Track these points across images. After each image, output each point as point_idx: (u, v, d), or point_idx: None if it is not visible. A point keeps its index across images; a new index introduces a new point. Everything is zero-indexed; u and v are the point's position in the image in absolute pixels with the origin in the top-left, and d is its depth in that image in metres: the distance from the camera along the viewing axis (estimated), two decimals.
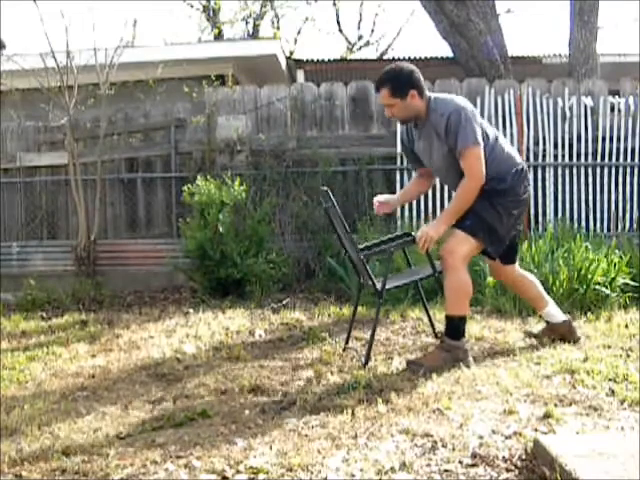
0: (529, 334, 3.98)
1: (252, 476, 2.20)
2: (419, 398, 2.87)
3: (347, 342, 3.86)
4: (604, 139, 6.62)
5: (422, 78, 3.59)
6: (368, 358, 3.47)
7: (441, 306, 4.75)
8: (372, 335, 3.54)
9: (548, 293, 4.69)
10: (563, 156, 6.67)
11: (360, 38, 19.97)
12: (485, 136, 3.50)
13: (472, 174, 3.41)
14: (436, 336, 3.93)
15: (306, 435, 2.52)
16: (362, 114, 6.91)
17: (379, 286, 3.51)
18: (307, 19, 23.90)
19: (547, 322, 3.89)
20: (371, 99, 6.88)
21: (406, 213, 6.58)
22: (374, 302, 4.91)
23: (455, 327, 3.44)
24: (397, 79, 3.53)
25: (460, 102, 3.53)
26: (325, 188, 3.66)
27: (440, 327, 4.19)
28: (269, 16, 19.21)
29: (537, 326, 4.29)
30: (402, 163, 6.68)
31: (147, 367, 3.70)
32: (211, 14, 17.83)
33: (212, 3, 17.48)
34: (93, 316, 5.28)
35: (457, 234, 3.46)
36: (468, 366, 3.30)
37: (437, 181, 4.91)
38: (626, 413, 2.65)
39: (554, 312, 3.86)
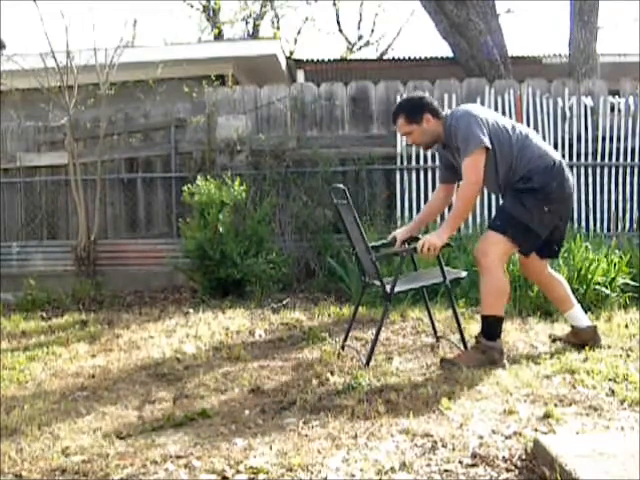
0: (554, 338, 3.91)
1: (252, 476, 2.20)
2: (419, 398, 2.87)
3: (345, 340, 3.85)
4: (604, 139, 6.62)
5: (434, 102, 3.71)
6: (370, 358, 3.47)
7: (441, 306, 4.76)
8: (376, 335, 3.54)
9: None
10: (563, 156, 6.65)
11: (360, 38, 19.99)
12: (506, 137, 3.51)
13: (467, 179, 3.46)
14: (437, 338, 3.94)
15: (306, 435, 2.52)
16: (362, 114, 6.91)
17: (388, 288, 3.50)
18: (307, 19, 23.96)
19: (572, 326, 3.82)
20: (371, 99, 6.88)
21: (406, 213, 6.58)
22: (374, 302, 4.93)
23: (491, 327, 3.46)
24: (409, 106, 3.68)
25: (464, 109, 3.62)
26: (341, 186, 3.63)
27: (438, 327, 4.20)
28: (269, 16, 19.23)
29: (537, 326, 4.30)
30: (402, 163, 6.69)
31: (147, 367, 3.70)
32: (211, 14, 17.83)
33: (212, 3, 17.48)
34: (93, 316, 5.28)
35: (489, 235, 3.51)
36: (504, 367, 3.32)
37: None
38: (626, 413, 2.66)
39: (580, 316, 3.79)
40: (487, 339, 3.44)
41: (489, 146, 3.42)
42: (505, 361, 3.39)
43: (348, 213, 3.63)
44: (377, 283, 3.57)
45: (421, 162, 6.70)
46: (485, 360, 3.37)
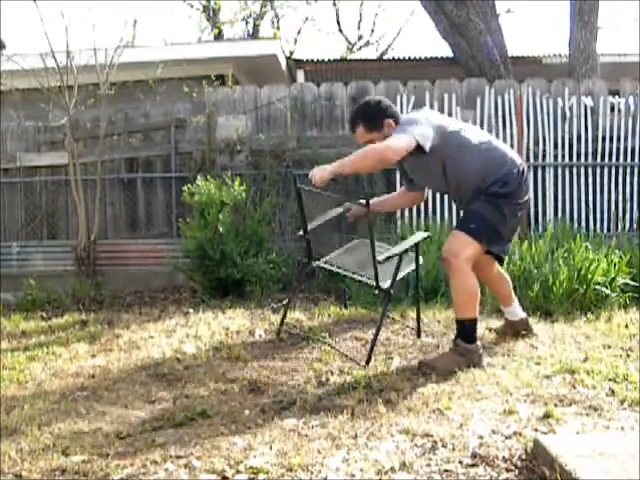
0: (494, 330, 4.06)
1: (252, 476, 2.20)
2: (419, 398, 2.87)
3: (281, 325, 3.90)
4: (604, 139, 6.62)
5: (393, 105, 3.57)
6: (370, 358, 3.47)
7: (441, 306, 4.76)
8: (376, 335, 3.54)
9: (548, 293, 4.73)
10: (563, 156, 6.67)
11: (360, 38, 20.00)
12: (461, 140, 3.46)
13: (386, 144, 3.29)
14: (418, 335, 3.98)
15: (306, 435, 2.52)
16: None
17: (386, 285, 3.48)
18: (307, 19, 23.99)
19: (506, 319, 3.99)
20: None
21: (406, 213, 6.58)
22: (375, 302, 4.92)
23: (467, 330, 3.41)
24: (367, 112, 3.50)
25: (413, 113, 3.61)
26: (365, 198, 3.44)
27: (438, 327, 4.20)
28: (269, 16, 19.25)
29: (537, 326, 4.29)
30: None
31: (147, 367, 3.70)
32: (211, 14, 17.83)
33: (212, 3, 17.49)
34: (93, 316, 5.28)
35: (460, 236, 3.43)
36: (483, 368, 3.32)
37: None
38: (626, 413, 2.66)
39: (517, 311, 3.96)
40: (465, 342, 3.40)
41: (420, 142, 3.29)
42: (484, 363, 3.39)
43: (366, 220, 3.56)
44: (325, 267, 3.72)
45: None
46: (463, 362, 3.32)
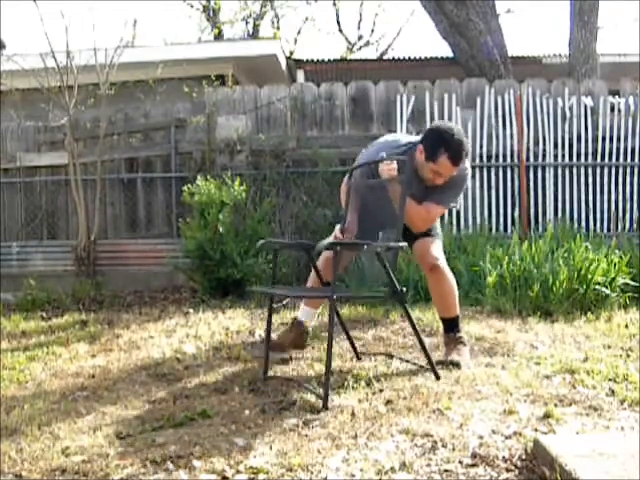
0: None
1: (252, 476, 2.20)
2: (419, 398, 2.87)
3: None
4: (604, 139, 6.63)
5: None
6: (355, 349, 3.54)
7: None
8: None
9: (548, 293, 4.72)
10: (563, 156, 6.67)
11: (360, 38, 20.00)
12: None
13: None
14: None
15: (306, 435, 2.52)
16: (362, 114, 6.91)
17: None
18: (307, 19, 24.02)
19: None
20: (371, 99, 6.89)
21: None
22: (375, 302, 4.92)
23: (457, 322, 3.54)
24: None
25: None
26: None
27: (438, 327, 4.20)
28: (269, 16, 19.25)
29: (537, 326, 4.29)
30: None
31: (147, 367, 3.70)
32: (211, 14, 17.83)
33: (212, 3, 17.49)
34: (93, 316, 5.28)
35: (432, 241, 3.48)
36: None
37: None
38: (626, 413, 2.65)
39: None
40: (459, 332, 3.52)
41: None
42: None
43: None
44: None
45: None
46: (469, 348, 3.49)
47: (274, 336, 3.63)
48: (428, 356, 3.20)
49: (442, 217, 6.56)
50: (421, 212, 3.38)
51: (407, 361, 3.49)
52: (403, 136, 3.84)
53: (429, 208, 3.39)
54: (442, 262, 3.43)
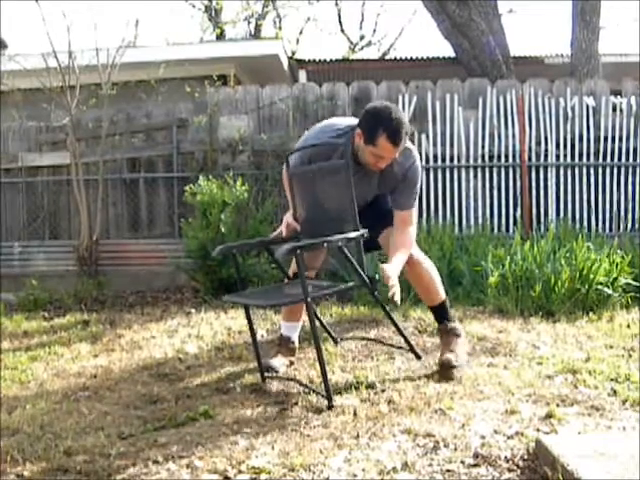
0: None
1: (254, 476, 2.20)
2: (421, 398, 2.87)
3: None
4: (606, 139, 6.62)
5: None
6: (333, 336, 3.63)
7: None
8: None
9: (550, 293, 4.72)
10: (565, 156, 6.67)
11: (362, 38, 20.00)
12: None
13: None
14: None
15: (308, 435, 2.52)
16: None
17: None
18: (309, 19, 24.07)
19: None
20: (373, 99, 6.87)
21: None
22: (375, 303, 4.92)
23: (446, 309, 3.41)
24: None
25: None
26: None
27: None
28: (271, 16, 19.26)
29: (538, 326, 4.29)
30: None
31: (149, 367, 3.70)
32: (213, 14, 17.84)
33: (214, 3, 17.49)
34: (95, 316, 5.28)
35: (406, 229, 3.23)
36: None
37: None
38: (628, 413, 2.65)
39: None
40: (451, 321, 3.40)
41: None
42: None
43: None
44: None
45: (423, 162, 6.69)
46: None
47: (271, 361, 3.45)
48: (404, 336, 3.45)
49: (443, 217, 6.57)
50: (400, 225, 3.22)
51: (390, 344, 3.69)
52: (343, 119, 3.62)
53: (403, 217, 3.20)
54: (415, 249, 3.26)
